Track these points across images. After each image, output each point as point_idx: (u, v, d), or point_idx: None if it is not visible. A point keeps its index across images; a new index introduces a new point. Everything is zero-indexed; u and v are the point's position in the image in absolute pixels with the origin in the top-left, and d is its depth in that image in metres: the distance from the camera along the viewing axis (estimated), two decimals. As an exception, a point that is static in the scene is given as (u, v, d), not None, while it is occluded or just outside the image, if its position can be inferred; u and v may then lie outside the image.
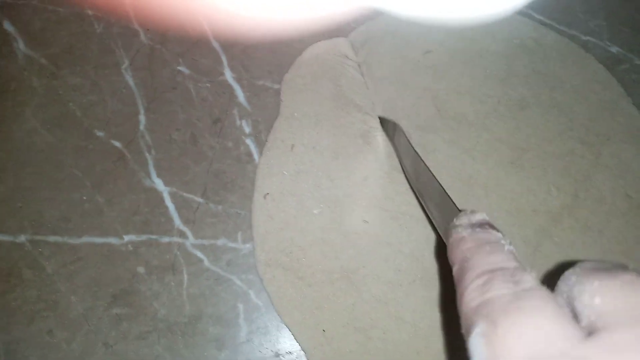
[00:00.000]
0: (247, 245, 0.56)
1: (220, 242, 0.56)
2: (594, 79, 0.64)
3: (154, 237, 0.56)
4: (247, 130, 0.60)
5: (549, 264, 0.55)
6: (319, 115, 0.60)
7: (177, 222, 0.57)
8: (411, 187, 0.57)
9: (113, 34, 0.63)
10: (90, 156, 0.58)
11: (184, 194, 0.58)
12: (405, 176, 0.57)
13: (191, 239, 0.56)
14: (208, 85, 0.62)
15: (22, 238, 0.55)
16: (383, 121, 0.61)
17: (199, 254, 0.56)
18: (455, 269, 0.31)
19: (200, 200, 0.58)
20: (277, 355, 0.54)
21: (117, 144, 0.59)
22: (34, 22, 0.63)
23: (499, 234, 0.32)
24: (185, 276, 0.55)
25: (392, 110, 0.61)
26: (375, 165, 0.59)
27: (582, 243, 0.56)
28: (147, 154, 0.59)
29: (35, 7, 0.64)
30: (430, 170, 0.46)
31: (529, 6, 0.66)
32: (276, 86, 0.62)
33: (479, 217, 0.33)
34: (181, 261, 0.55)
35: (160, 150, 0.59)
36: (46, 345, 0.53)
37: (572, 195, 0.58)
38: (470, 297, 0.27)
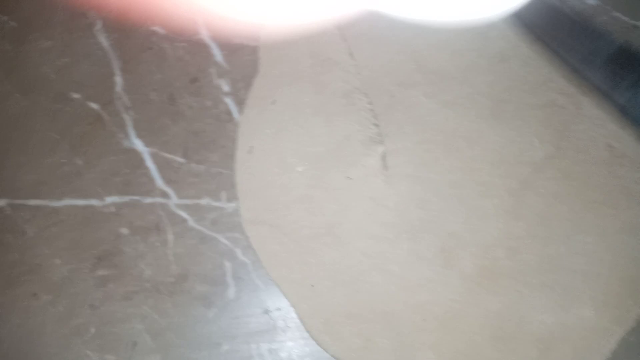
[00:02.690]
0: (231, 204, 0.56)
1: (204, 201, 0.56)
2: (573, 31, 0.64)
3: (136, 197, 0.55)
4: (226, 88, 0.59)
5: (534, 214, 0.56)
6: (299, 72, 0.60)
7: (159, 182, 0.56)
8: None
9: (84, -6, 0.62)
10: (67, 119, 0.57)
11: (165, 154, 0.57)
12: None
13: (174, 199, 0.56)
14: (184, 44, 0.61)
15: (1, 202, 0.54)
16: None
17: (183, 214, 0.55)
18: None
19: (181, 160, 0.57)
20: (267, 311, 0.54)
21: (94, 105, 0.58)
22: (1, -15, 0.62)
23: None
24: (170, 236, 0.55)
25: (371, 66, 0.60)
26: (357, 126, 0.58)
27: (565, 193, 0.56)
28: (125, 115, 0.58)
29: (1, -30, 0.62)
30: (587, 23, 0.48)
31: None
32: (253, 44, 0.61)
33: None
34: (165, 221, 0.55)
35: (139, 111, 0.58)
36: (31, 308, 0.53)
37: (554, 145, 0.58)
38: None
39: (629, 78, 0.43)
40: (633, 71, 0.41)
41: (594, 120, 0.59)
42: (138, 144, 0.57)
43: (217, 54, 0.60)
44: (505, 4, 0.56)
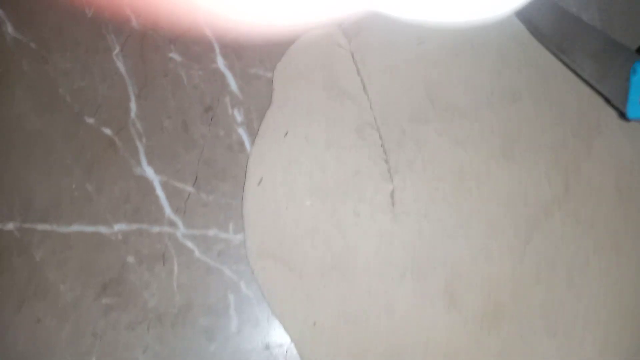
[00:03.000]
0: (238, 236, 0.56)
1: (212, 232, 0.56)
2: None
3: (144, 226, 0.56)
4: (239, 118, 0.60)
5: (540, 257, 0.55)
6: (312, 105, 0.60)
7: (168, 211, 0.56)
8: (553, 53, 0.60)
9: (104, 18, 0.62)
10: (80, 143, 0.58)
11: (175, 183, 0.57)
12: (543, 43, 0.60)
13: (182, 229, 0.56)
14: (200, 72, 0.61)
15: (10, 225, 0.55)
16: None
17: (190, 244, 0.55)
18: None
19: (191, 189, 0.57)
20: (268, 347, 0.54)
21: (108, 131, 0.58)
22: (23, 5, 0.62)
23: None
24: (176, 266, 0.55)
25: (384, 101, 0.60)
26: (368, 162, 0.58)
27: (572, 236, 0.56)
28: (137, 142, 0.58)
29: (23, -10, 0.63)
30: (585, 22, 0.52)
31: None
32: (269, 74, 0.61)
33: None
34: (172, 251, 0.55)
35: (151, 138, 0.58)
36: (35, 333, 0.53)
37: (563, 187, 0.58)
38: None
39: (614, 68, 0.47)
40: (616, 61, 0.46)
41: (604, 162, 0.59)
42: (149, 172, 0.57)
43: (232, 84, 0.61)
44: (507, 4, 0.57)
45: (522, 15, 0.62)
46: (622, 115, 0.46)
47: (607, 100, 0.51)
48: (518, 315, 0.54)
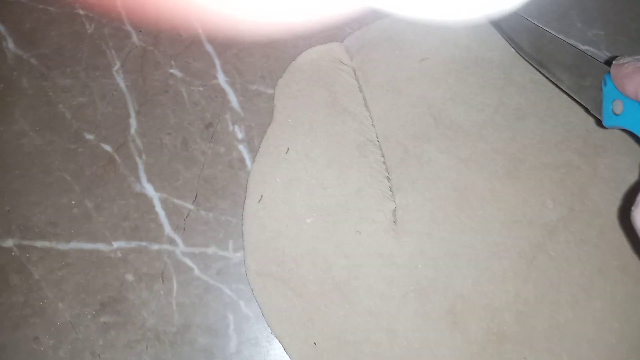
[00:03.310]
0: (238, 254, 0.56)
1: (211, 250, 0.56)
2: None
3: (143, 244, 0.55)
4: (240, 135, 0.59)
5: (545, 278, 0.55)
6: (313, 122, 0.59)
7: (167, 229, 0.56)
8: (535, 67, 0.60)
9: (105, 34, 0.62)
10: (80, 160, 0.57)
11: (175, 200, 0.57)
12: (523, 56, 0.61)
13: (181, 247, 0.55)
14: (200, 88, 0.61)
15: (9, 242, 0.55)
16: None
17: (189, 262, 0.55)
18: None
19: (190, 206, 0.57)
20: (267, 367, 0.53)
21: (107, 147, 0.58)
22: (24, 21, 0.62)
23: None
24: (175, 285, 0.54)
25: (386, 118, 0.60)
26: (370, 180, 0.58)
27: (577, 257, 0.56)
28: (137, 159, 0.58)
29: (25, 6, 0.62)
30: (556, 36, 0.55)
31: (527, 14, 0.65)
32: (270, 91, 0.61)
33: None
34: (171, 269, 0.55)
35: (151, 155, 0.58)
36: (32, 352, 0.52)
37: (568, 207, 0.57)
38: None
39: (588, 80, 0.49)
40: (589, 74, 0.49)
41: (609, 182, 0.59)
42: (149, 189, 0.57)
43: (233, 100, 0.60)
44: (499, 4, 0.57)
45: (504, 32, 0.62)
46: (601, 123, 0.48)
47: (587, 110, 0.53)
48: (522, 337, 0.53)
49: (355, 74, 0.62)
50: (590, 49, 0.66)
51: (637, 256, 0.55)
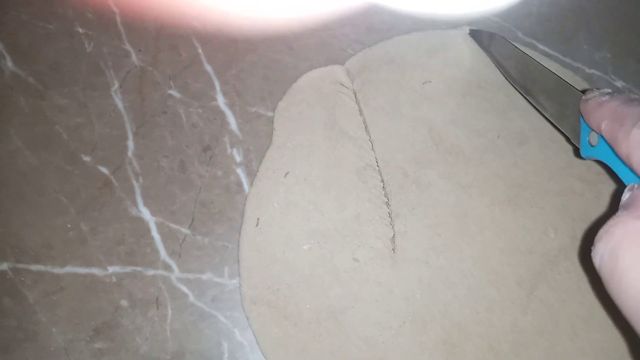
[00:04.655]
0: (234, 281, 0.55)
1: (206, 276, 0.55)
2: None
3: (138, 269, 0.55)
4: (238, 159, 0.59)
5: (544, 308, 0.54)
6: (312, 146, 0.59)
7: (163, 254, 0.55)
8: (519, 91, 0.60)
9: (103, 53, 0.61)
10: (76, 181, 0.57)
11: (171, 225, 0.56)
12: (510, 82, 0.61)
13: (176, 273, 0.55)
14: (199, 110, 0.60)
15: (4, 266, 0.54)
16: (475, 33, 0.63)
17: (184, 289, 0.55)
18: (605, 124, 0.38)
19: (187, 231, 0.56)
20: (261, 397, 0.53)
21: (104, 169, 0.58)
22: (22, 39, 0.61)
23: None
24: (169, 311, 0.54)
25: (386, 142, 0.59)
26: (368, 205, 0.57)
27: (577, 287, 0.55)
28: (134, 181, 0.57)
29: (24, 23, 0.62)
30: (540, 63, 0.54)
31: (533, 36, 0.64)
32: (269, 113, 0.60)
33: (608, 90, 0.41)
34: (165, 295, 0.54)
35: (148, 178, 0.58)
36: (25, 377, 0.52)
37: (570, 236, 0.57)
38: None
39: (568, 109, 0.49)
40: (569, 103, 0.49)
41: (613, 210, 0.58)
42: (145, 213, 0.56)
43: (232, 122, 0.60)
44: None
45: (493, 57, 0.62)
46: (579, 153, 0.48)
47: (568, 140, 0.52)
48: (519, 369, 0.53)
49: (355, 96, 0.61)
50: (597, 72, 0.65)
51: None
